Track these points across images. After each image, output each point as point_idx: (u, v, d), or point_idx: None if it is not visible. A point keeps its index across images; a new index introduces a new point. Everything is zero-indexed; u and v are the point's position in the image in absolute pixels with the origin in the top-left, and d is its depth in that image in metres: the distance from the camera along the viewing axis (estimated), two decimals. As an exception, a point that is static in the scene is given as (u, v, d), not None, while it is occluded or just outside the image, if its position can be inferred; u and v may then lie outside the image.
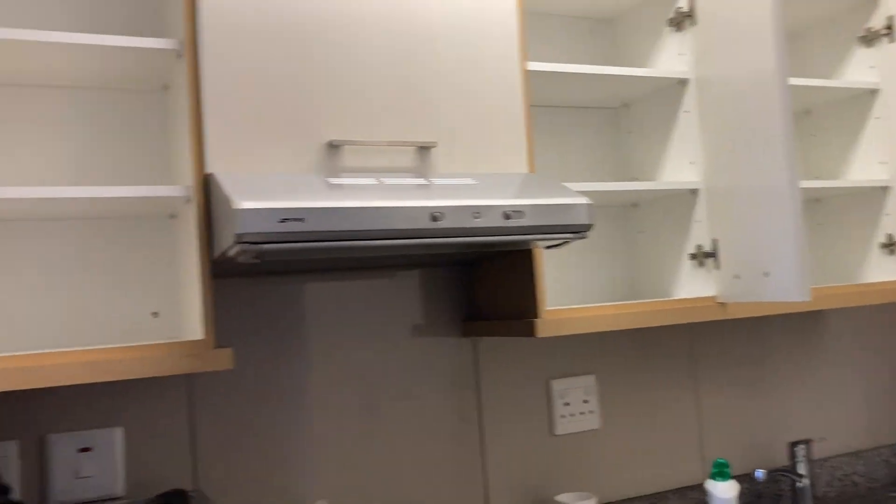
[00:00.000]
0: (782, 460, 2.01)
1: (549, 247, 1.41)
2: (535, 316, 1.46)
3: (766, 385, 2.02)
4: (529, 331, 1.46)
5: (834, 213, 2.05)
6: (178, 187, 1.25)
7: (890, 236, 1.89)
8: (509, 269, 1.55)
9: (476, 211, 1.23)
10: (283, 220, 1.10)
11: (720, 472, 1.27)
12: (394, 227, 1.16)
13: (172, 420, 1.46)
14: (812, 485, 1.83)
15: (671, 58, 1.72)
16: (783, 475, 1.94)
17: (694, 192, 1.67)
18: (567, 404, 1.79)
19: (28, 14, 1.43)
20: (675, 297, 1.64)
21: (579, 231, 1.32)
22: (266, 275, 1.56)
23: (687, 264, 1.70)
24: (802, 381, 2.07)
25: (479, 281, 1.69)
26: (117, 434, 1.42)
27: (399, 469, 1.63)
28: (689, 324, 1.95)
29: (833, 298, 1.74)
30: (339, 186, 1.21)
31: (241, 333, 1.53)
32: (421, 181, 1.28)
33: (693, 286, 1.68)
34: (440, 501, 1.65)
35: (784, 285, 1.39)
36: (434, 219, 1.19)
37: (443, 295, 1.70)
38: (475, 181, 1.33)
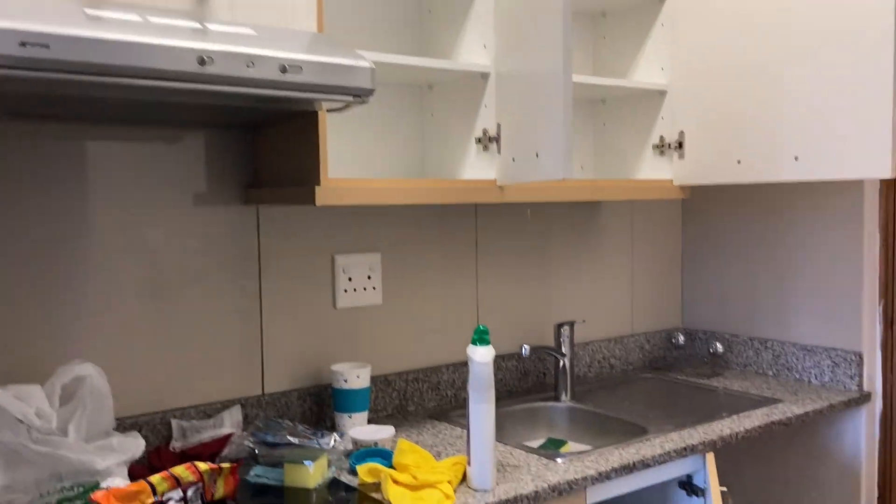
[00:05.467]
0: (550, 341, 2.17)
1: (330, 110, 1.39)
2: (317, 183, 1.44)
3: (542, 270, 2.14)
4: (310, 198, 1.44)
5: (617, 113, 2.17)
6: None
7: (662, 138, 2.03)
8: (293, 133, 1.52)
9: (250, 59, 1.17)
10: (24, 45, 1.00)
11: (480, 339, 1.35)
12: (154, 66, 1.09)
13: None
14: (573, 364, 1.98)
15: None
16: (548, 353, 2.09)
17: (484, 75, 1.69)
18: (350, 279, 1.81)
19: None
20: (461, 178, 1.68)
21: (360, 95, 1.30)
22: (35, 121, 1.42)
23: (473, 148, 1.74)
24: (576, 268, 2.21)
25: (263, 146, 1.64)
26: None
27: (180, 341, 1.58)
28: (474, 208, 2.01)
29: (605, 191, 1.85)
30: (98, 18, 1.10)
31: (8, 187, 1.40)
32: (195, 25, 1.20)
33: (478, 169, 1.73)
34: (219, 371, 1.63)
35: (550, 164, 1.45)
36: (202, 62, 1.13)
37: (227, 160, 1.64)
38: (256, 32, 1.26)
